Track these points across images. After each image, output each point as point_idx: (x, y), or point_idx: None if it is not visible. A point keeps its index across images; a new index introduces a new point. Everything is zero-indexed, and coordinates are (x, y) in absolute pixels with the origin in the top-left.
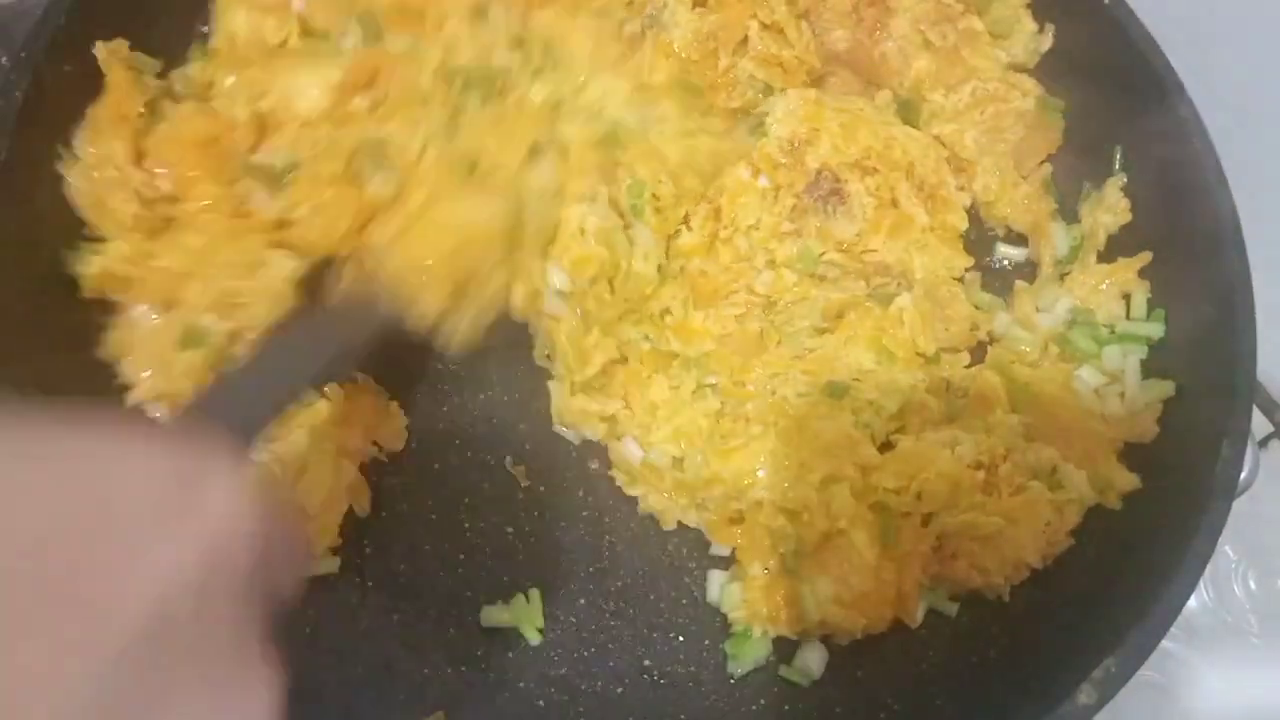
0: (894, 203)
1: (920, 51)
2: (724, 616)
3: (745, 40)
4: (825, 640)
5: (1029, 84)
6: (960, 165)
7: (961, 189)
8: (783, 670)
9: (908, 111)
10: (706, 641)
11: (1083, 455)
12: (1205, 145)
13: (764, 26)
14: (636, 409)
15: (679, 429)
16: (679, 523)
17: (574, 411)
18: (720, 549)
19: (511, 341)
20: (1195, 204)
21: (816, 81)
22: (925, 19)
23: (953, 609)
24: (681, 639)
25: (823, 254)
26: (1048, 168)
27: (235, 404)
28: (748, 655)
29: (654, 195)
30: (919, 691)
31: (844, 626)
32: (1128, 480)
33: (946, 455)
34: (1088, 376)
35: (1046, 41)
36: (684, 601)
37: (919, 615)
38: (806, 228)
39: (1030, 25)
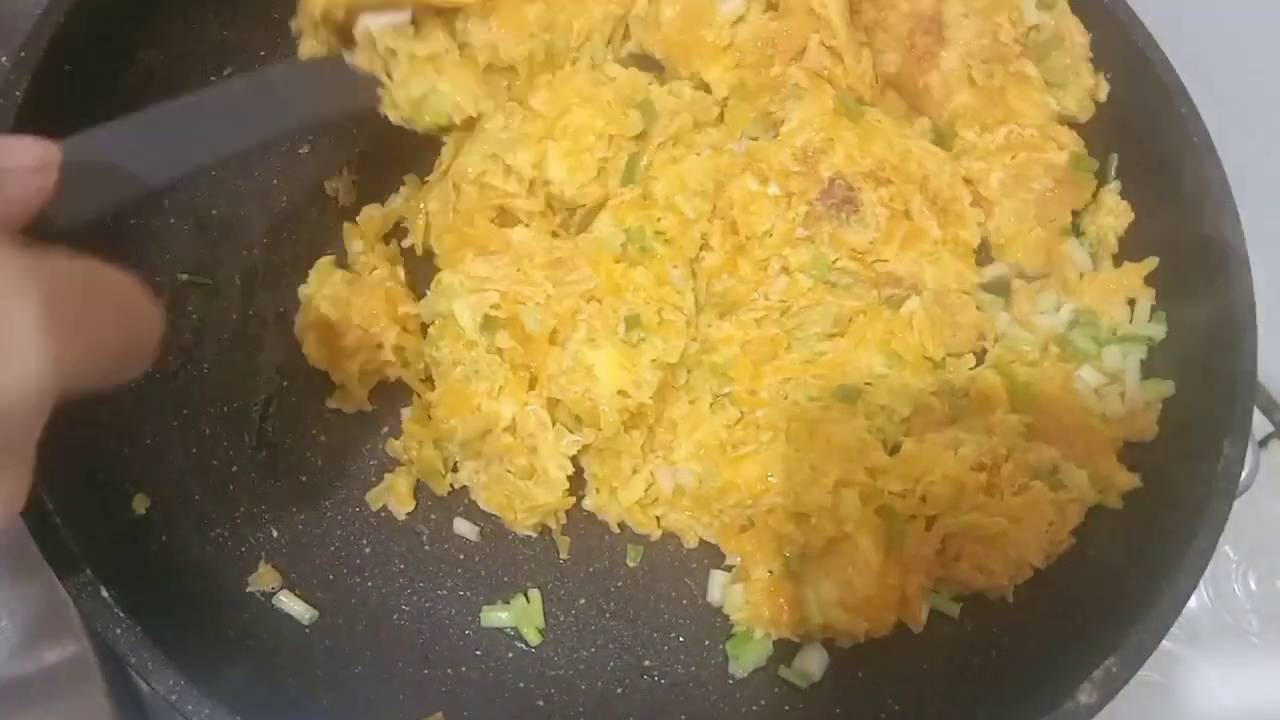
0: (907, 214)
1: (963, 87)
2: (724, 617)
3: (803, 51)
4: (826, 642)
5: (1067, 138)
6: (979, 201)
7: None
8: (781, 671)
9: (941, 142)
10: (706, 641)
11: (1083, 455)
12: (1205, 145)
13: (824, 46)
14: (656, 429)
15: (699, 443)
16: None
17: (620, 514)
18: (730, 555)
19: None
20: (1195, 204)
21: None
22: (976, 55)
23: (955, 610)
24: (681, 639)
25: (836, 260)
26: (1068, 219)
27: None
28: (749, 656)
29: (656, 231)
30: (919, 692)
31: (846, 630)
32: (1128, 479)
33: (950, 457)
34: (1088, 376)
35: (1102, 94)
36: (684, 601)
37: (923, 618)
38: (819, 234)
39: (1089, 78)
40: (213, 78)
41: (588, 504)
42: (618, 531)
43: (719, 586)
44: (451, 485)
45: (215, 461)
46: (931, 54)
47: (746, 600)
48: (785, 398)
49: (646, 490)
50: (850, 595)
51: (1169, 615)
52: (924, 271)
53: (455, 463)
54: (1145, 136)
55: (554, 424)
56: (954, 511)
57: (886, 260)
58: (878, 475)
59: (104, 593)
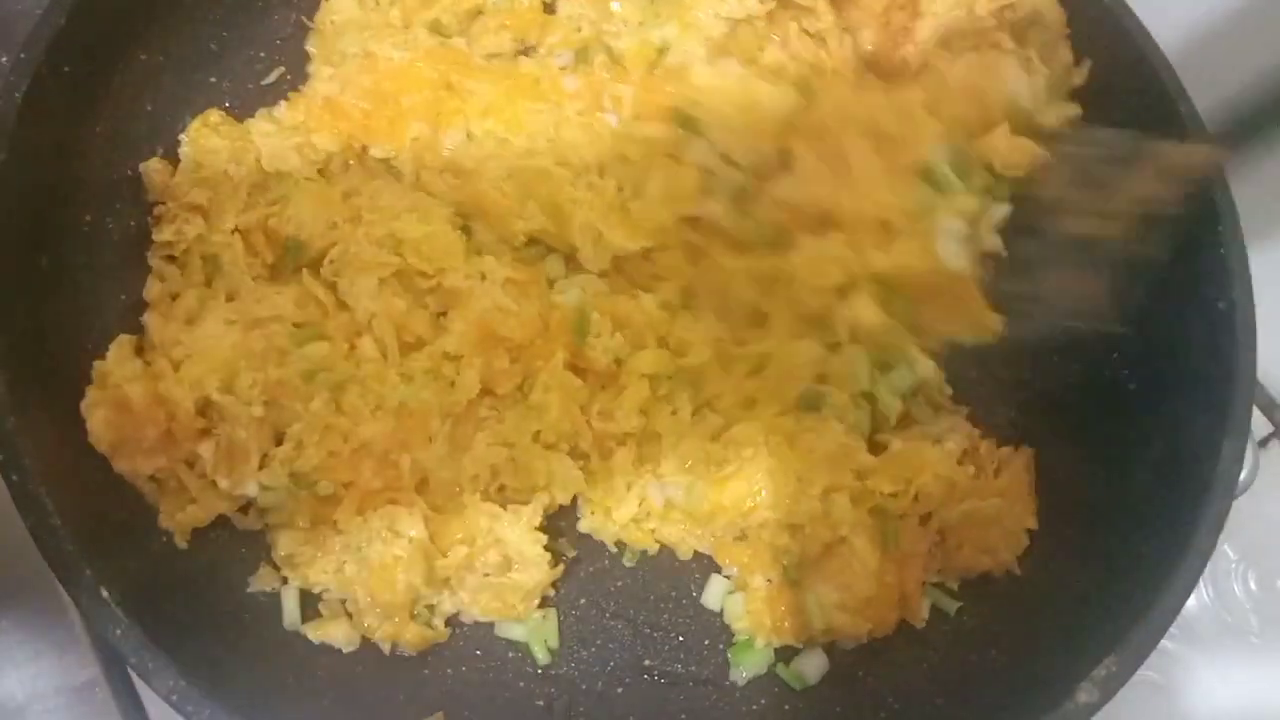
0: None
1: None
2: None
3: (785, 41)
4: (829, 645)
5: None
6: None
7: None
8: (779, 670)
9: None
10: (706, 641)
11: (954, 306)
12: None
13: (806, 33)
14: (643, 443)
15: (685, 455)
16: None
17: (615, 533)
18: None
19: None
20: (1196, 203)
21: None
22: (953, 29)
23: (953, 606)
24: (681, 639)
25: None
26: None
27: None
28: (751, 663)
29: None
30: (920, 691)
31: (849, 632)
32: (995, 320)
33: (937, 453)
34: (950, 228)
35: (1080, 77)
36: (684, 601)
37: (924, 613)
38: None
39: (1066, 56)
40: (211, 79)
41: (583, 527)
42: (614, 551)
43: (718, 593)
44: (446, 622)
45: None
46: (906, 29)
47: (747, 610)
48: (752, 407)
49: (640, 505)
50: (851, 597)
51: (1168, 614)
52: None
53: (430, 605)
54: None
55: (505, 507)
56: (948, 505)
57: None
58: (866, 476)
59: (104, 593)
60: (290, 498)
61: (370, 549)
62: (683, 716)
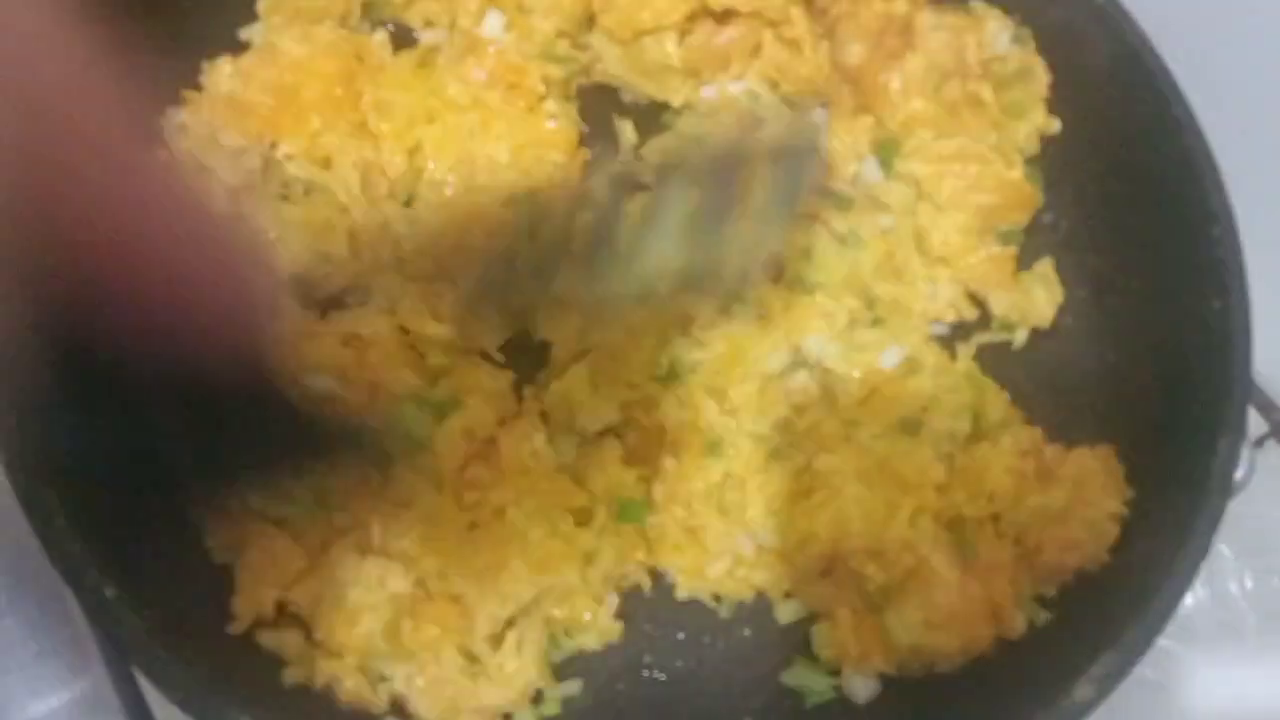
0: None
1: (924, 92)
2: (722, 613)
3: (759, 48)
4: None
5: (1017, 156)
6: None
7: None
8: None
9: (886, 150)
10: (706, 639)
11: None
12: (1202, 146)
13: (780, 40)
14: (725, 493)
15: (772, 496)
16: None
17: (711, 589)
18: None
19: None
20: (1192, 204)
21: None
22: (939, 68)
23: (1045, 619)
24: (681, 636)
25: None
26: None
27: None
28: (811, 682)
29: None
30: (917, 690)
31: (940, 649)
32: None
33: (1000, 452)
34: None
35: (1053, 129)
36: (684, 598)
37: (1021, 625)
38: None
39: (1040, 118)
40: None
41: (681, 595)
42: (715, 604)
43: (792, 609)
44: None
45: None
46: (898, 55)
47: (833, 639)
48: (847, 440)
49: (728, 557)
50: (935, 614)
51: (1166, 612)
52: None
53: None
54: (1139, 139)
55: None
56: (1017, 504)
57: None
58: (944, 493)
59: (109, 594)
60: (308, 516)
61: (352, 590)
62: (682, 716)
